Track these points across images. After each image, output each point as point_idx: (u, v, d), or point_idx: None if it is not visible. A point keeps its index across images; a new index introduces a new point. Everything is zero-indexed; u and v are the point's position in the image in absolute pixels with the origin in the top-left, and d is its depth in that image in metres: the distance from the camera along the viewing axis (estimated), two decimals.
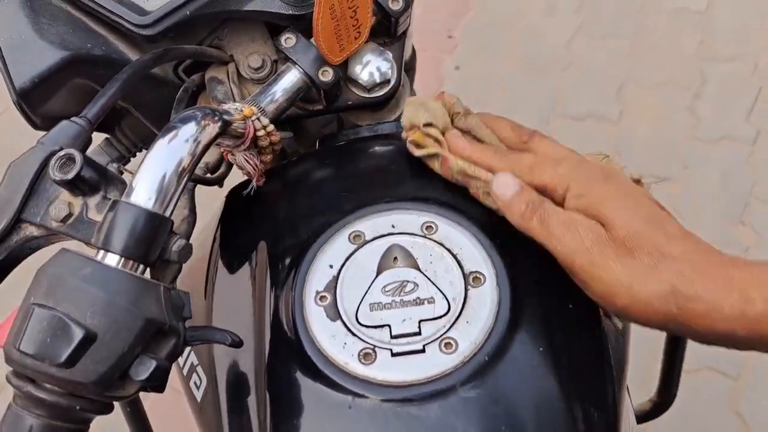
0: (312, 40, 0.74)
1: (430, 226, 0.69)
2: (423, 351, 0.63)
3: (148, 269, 0.59)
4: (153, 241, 0.58)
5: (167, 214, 0.59)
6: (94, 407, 0.56)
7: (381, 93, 0.81)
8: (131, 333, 0.55)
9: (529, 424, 0.61)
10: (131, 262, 0.57)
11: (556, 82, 2.42)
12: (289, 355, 0.65)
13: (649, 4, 2.54)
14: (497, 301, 0.64)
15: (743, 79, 2.36)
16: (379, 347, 0.63)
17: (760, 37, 2.44)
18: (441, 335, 0.63)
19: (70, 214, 0.60)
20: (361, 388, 0.61)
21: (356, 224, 0.69)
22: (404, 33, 0.84)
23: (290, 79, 0.76)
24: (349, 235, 0.69)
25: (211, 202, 0.83)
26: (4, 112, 2.27)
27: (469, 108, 0.76)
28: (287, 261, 0.69)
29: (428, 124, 0.73)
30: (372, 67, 0.80)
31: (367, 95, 0.81)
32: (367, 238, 0.69)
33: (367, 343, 0.63)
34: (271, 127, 0.71)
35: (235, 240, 0.77)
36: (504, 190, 0.67)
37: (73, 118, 0.64)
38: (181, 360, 0.76)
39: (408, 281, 0.66)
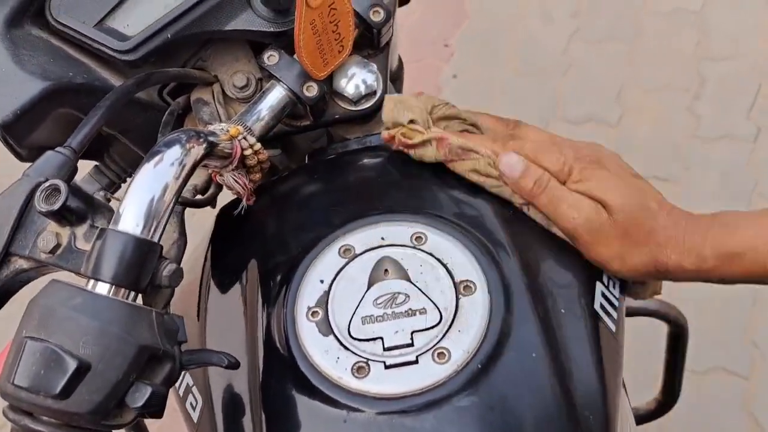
0: (295, 56, 0.74)
1: (420, 237, 0.69)
2: (416, 362, 0.63)
3: (140, 296, 0.59)
4: (143, 267, 0.58)
5: (156, 239, 0.59)
6: None
7: (368, 105, 0.81)
8: (125, 360, 0.55)
9: (524, 430, 0.61)
10: (122, 289, 0.57)
11: (554, 86, 2.41)
12: (282, 372, 0.65)
13: (645, 6, 2.54)
14: (488, 308, 0.65)
15: (742, 77, 2.35)
16: (372, 360, 0.63)
17: (757, 35, 2.43)
18: (434, 345, 0.63)
19: (58, 245, 0.61)
20: (356, 401, 0.62)
21: (346, 238, 0.70)
22: (388, 44, 0.84)
23: (275, 96, 0.76)
24: (339, 249, 0.69)
25: (205, 221, 0.84)
26: None
27: (448, 102, 0.79)
28: (278, 278, 0.70)
29: (411, 121, 0.75)
30: (357, 80, 0.80)
31: (354, 108, 0.81)
32: (357, 251, 0.69)
33: (360, 356, 0.64)
34: (258, 145, 0.72)
35: (225, 259, 0.78)
36: (512, 169, 0.73)
37: (57, 149, 0.64)
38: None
39: (399, 293, 0.66)
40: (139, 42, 0.73)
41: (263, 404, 0.65)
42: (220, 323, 0.73)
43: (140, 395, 0.56)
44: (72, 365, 0.53)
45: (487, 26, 2.57)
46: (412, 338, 0.64)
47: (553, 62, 2.45)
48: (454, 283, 0.66)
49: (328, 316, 0.66)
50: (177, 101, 0.80)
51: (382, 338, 0.64)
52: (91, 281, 0.57)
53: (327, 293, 0.67)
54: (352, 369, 0.63)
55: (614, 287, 0.75)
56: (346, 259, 0.69)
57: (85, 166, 0.86)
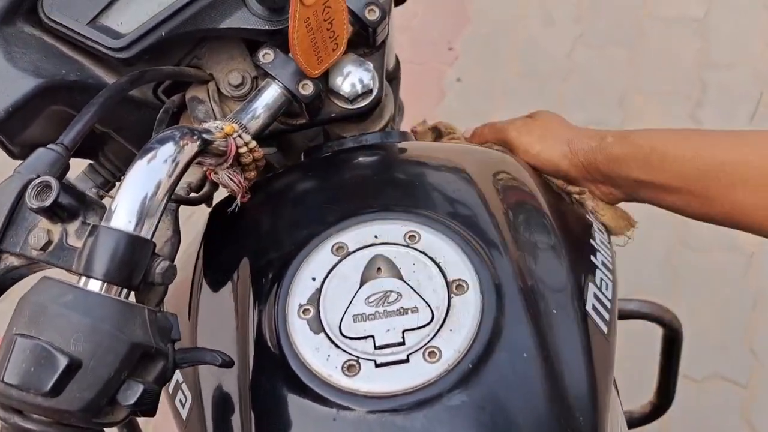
0: (290, 54, 0.74)
1: (413, 236, 0.69)
2: (407, 361, 0.63)
3: (132, 293, 0.59)
4: (135, 264, 0.58)
5: (148, 236, 0.59)
6: None
7: (364, 104, 0.81)
8: (117, 358, 0.55)
9: (514, 430, 0.61)
10: (114, 286, 0.57)
11: (557, 91, 2.41)
12: (273, 370, 0.65)
13: (648, 12, 2.54)
14: (480, 308, 0.65)
15: (744, 85, 2.35)
16: (363, 358, 0.63)
17: (759, 42, 2.43)
18: (425, 344, 0.63)
19: (49, 242, 0.61)
20: (346, 400, 0.62)
21: (339, 236, 0.70)
22: (384, 43, 0.84)
23: (271, 94, 0.76)
24: (332, 246, 0.69)
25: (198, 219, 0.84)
26: None
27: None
28: (270, 275, 0.70)
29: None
30: (353, 78, 0.81)
31: (350, 106, 0.82)
32: (350, 249, 0.69)
33: (351, 354, 0.64)
34: (253, 143, 0.71)
35: (218, 257, 0.78)
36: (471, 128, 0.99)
37: (49, 145, 0.64)
38: None
39: (391, 291, 0.66)
40: (132, 40, 0.73)
41: (253, 402, 0.65)
42: (211, 320, 0.73)
43: (132, 393, 0.56)
44: (63, 362, 0.53)
45: (490, 30, 2.57)
46: (403, 337, 0.64)
47: (556, 66, 2.46)
48: (447, 282, 0.66)
49: (319, 313, 0.66)
50: (172, 99, 0.80)
51: (373, 336, 0.64)
52: (83, 278, 0.57)
53: (319, 291, 0.67)
54: (342, 367, 0.63)
55: (606, 288, 0.76)
56: (339, 257, 0.69)
57: (81, 165, 0.86)
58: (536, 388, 0.63)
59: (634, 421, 1.20)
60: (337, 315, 0.65)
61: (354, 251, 0.69)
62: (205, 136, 0.64)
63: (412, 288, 0.66)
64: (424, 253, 0.68)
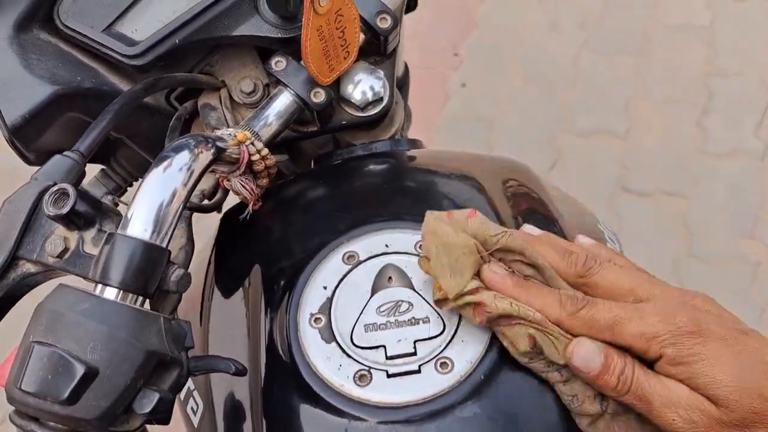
0: (302, 62, 0.75)
1: None
2: (419, 371, 0.63)
3: (147, 301, 0.59)
4: (151, 272, 0.58)
5: (164, 244, 0.59)
6: None
7: (374, 111, 0.82)
8: (133, 366, 0.55)
9: None
10: (130, 294, 0.57)
11: (563, 98, 2.42)
12: (284, 379, 0.65)
13: (654, 19, 2.54)
14: None
15: (750, 94, 2.36)
16: (375, 368, 0.63)
17: (765, 50, 2.44)
18: (436, 355, 0.63)
19: (66, 249, 0.61)
20: (357, 410, 0.62)
21: (350, 244, 0.70)
22: (395, 50, 0.84)
23: (283, 102, 0.77)
24: (343, 255, 0.69)
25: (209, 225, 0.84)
26: None
27: (503, 230, 0.64)
28: (281, 283, 0.70)
29: (459, 294, 0.62)
30: (364, 86, 0.81)
31: (361, 114, 0.82)
32: (361, 258, 0.69)
33: (363, 364, 0.64)
34: (266, 150, 0.72)
35: (229, 264, 0.78)
36: (588, 363, 0.60)
37: (65, 152, 0.64)
38: None
39: (403, 301, 0.66)
40: (147, 47, 0.73)
41: (264, 410, 0.65)
42: (223, 328, 0.74)
43: (148, 401, 0.56)
44: (80, 370, 0.53)
45: (496, 36, 2.58)
46: (415, 347, 0.64)
47: (562, 73, 2.46)
48: None
49: (330, 322, 0.66)
50: (184, 106, 0.80)
51: (384, 346, 0.64)
52: (99, 286, 0.57)
53: (330, 300, 0.67)
54: (354, 377, 0.63)
55: None
56: (350, 266, 0.69)
57: (92, 170, 0.86)
58: (548, 400, 0.63)
59: None
60: (348, 324, 0.66)
61: (365, 260, 0.69)
62: (219, 143, 0.64)
63: (423, 298, 0.66)
64: None
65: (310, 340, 0.65)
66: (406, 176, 0.81)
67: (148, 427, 0.68)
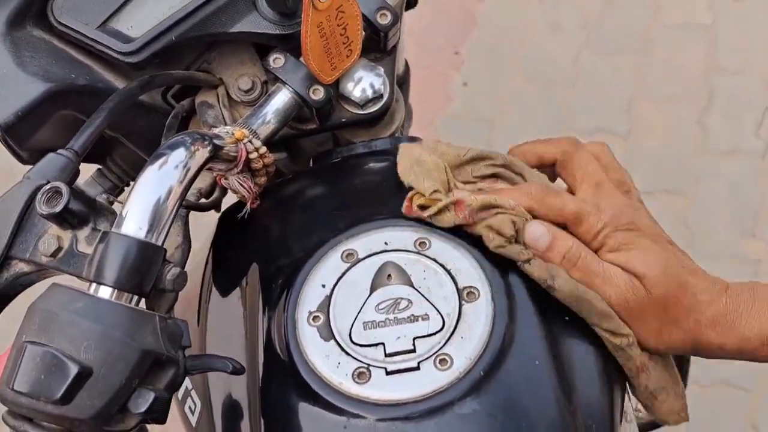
0: (301, 59, 0.74)
1: (424, 242, 0.69)
2: (418, 368, 0.62)
3: (143, 300, 0.59)
4: (146, 271, 0.57)
5: (159, 242, 0.58)
6: None
7: (374, 109, 0.81)
8: (127, 366, 0.54)
9: None
10: (125, 293, 0.56)
11: (564, 97, 2.41)
12: (282, 377, 0.65)
13: (655, 18, 2.53)
14: (492, 315, 0.64)
15: (751, 93, 2.35)
16: (374, 366, 0.63)
17: (766, 50, 2.43)
18: (436, 352, 0.63)
19: (59, 248, 0.60)
20: (356, 408, 0.61)
21: (349, 242, 0.69)
22: (395, 47, 0.83)
23: (281, 99, 0.76)
24: (342, 253, 0.69)
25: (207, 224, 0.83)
26: None
27: (486, 152, 0.73)
28: (279, 281, 0.69)
29: (435, 191, 0.68)
30: (364, 84, 0.80)
31: (361, 112, 0.81)
32: (360, 256, 0.68)
33: (362, 362, 0.63)
34: (264, 149, 0.71)
35: (227, 263, 0.78)
36: (536, 241, 0.69)
37: (59, 151, 0.64)
38: None
39: (402, 298, 0.66)
40: (142, 44, 0.72)
41: (262, 409, 0.65)
42: (221, 327, 0.73)
43: (143, 401, 0.55)
44: (73, 370, 0.53)
45: (496, 35, 2.57)
46: (414, 344, 0.63)
47: (563, 73, 2.45)
48: (458, 289, 0.66)
49: (329, 320, 0.65)
50: (181, 104, 0.79)
51: (383, 344, 0.64)
52: (93, 285, 0.56)
53: (329, 298, 0.67)
54: (353, 374, 0.63)
55: None
56: (349, 264, 0.68)
57: (88, 170, 0.85)
58: (548, 396, 0.62)
59: (643, 426, 1.20)
60: (347, 322, 0.65)
61: (364, 258, 0.68)
62: (215, 141, 0.64)
63: (422, 295, 0.66)
64: (434, 260, 0.68)
65: (309, 338, 0.65)
66: None
67: (149, 427, 0.67)
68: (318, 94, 0.76)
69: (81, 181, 0.83)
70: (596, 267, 0.69)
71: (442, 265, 0.67)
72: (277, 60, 0.76)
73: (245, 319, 0.70)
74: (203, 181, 0.76)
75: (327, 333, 0.65)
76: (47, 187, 0.60)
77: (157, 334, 0.57)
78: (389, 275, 0.67)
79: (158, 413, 0.56)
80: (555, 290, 0.67)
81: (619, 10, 2.57)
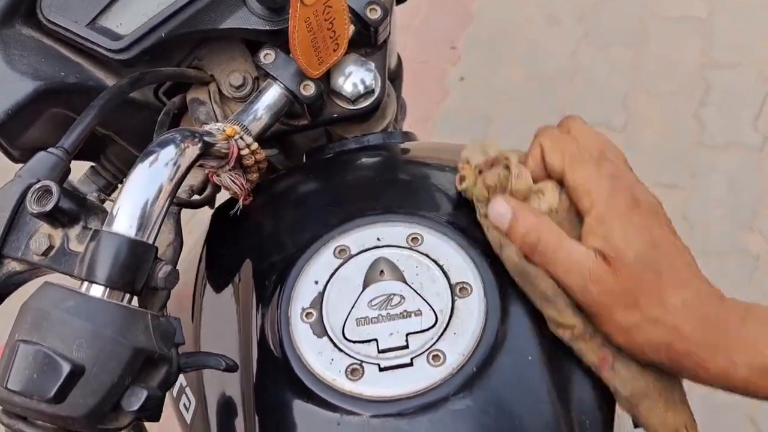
0: (291, 54, 0.74)
1: (416, 238, 0.69)
2: (411, 364, 0.62)
3: (135, 298, 0.59)
4: (137, 269, 0.57)
5: (150, 240, 0.58)
6: None
7: (366, 104, 0.81)
8: (120, 364, 0.54)
9: None
10: (116, 291, 0.56)
11: (561, 91, 2.41)
12: (276, 374, 0.65)
13: (651, 12, 2.53)
14: (485, 311, 0.64)
15: (748, 86, 2.36)
16: (367, 362, 0.63)
17: (763, 42, 2.43)
18: (429, 348, 0.63)
19: (51, 247, 0.60)
20: (350, 404, 0.61)
21: (341, 238, 0.69)
22: (385, 42, 0.83)
23: (272, 95, 0.76)
24: (335, 249, 0.69)
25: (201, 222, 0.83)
26: None
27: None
28: (273, 278, 0.69)
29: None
30: (355, 78, 0.80)
31: (352, 107, 0.81)
32: (353, 252, 0.68)
33: (355, 358, 0.63)
34: (255, 145, 0.71)
35: (220, 260, 0.77)
36: (498, 220, 0.66)
37: (49, 149, 0.64)
38: None
39: (394, 294, 0.66)
40: (132, 41, 0.72)
41: (256, 406, 0.65)
42: (215, 324, 0.73)
43: (136, 399, 0.55)
44: (65, 369, 0.53)
45: (493, 29, 2.57)
46: (407, 340, 0.63)
47: (559, 66, 2.46)
48: (450, 285, 0.66)
49: (322, 317, 0.65)
50: (172, 101, 0.79)
51: (376, 340, 0.64)
52: (85, 283, 0.56)
53: (321, 294, 0.67)
54: (346, 371, 0.63)
55: None
56: (342, 260, 0.68)
57: (82, 167, 0.85)
58: (541, 391, 0.62)
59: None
60: (339, 318, 0.65)
61: (356, 254, 0.68)
62: (206, 138, 0.64)
63: (415, 291, 0.66)
64: (427, 256, 0.68)
65: (302, 334, 0.65)
66: (399, 169, 0.81)
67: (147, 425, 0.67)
68: (309, 89, 0.76)
69: (75, 180, 0.83)
70: (558, 253, 0.63)
71: (434, 261, 0.67)
72: (267, 56, 0.76)
73: (239, 315, 0.70)
74: (195, 178, 0.76)
75: (320, 329, 0.65)
76: (38, 185, 0.59)
77: (149, 332, 0.57)
78: (382, 271, 0.67)
79: (151, 411, 0.56)
80: (503, 260, 0.66)
81: (615, 3, 2.57)
